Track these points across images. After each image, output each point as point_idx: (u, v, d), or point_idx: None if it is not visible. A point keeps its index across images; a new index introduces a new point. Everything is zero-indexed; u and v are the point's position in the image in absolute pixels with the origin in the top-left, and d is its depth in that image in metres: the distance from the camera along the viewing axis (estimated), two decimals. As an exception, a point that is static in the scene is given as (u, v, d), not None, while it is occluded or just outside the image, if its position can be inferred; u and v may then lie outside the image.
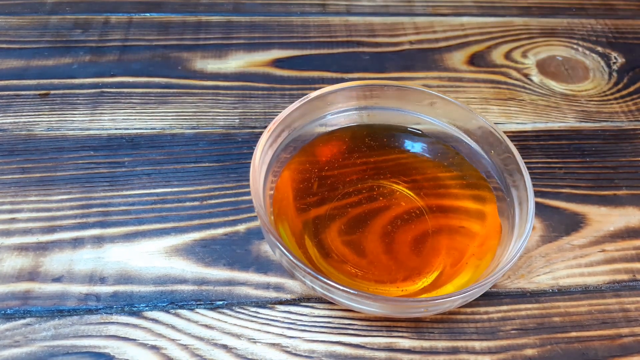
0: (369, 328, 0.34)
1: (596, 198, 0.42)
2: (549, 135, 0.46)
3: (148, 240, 0.37)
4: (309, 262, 0.34)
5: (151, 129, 0.44)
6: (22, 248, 0.36)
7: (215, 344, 0.33)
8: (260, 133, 0.42)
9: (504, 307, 0.36)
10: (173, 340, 0.33)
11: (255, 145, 0.36)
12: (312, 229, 0.36)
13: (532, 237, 0.39)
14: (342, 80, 0.49)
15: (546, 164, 0.44)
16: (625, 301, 0.37)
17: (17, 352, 0.32)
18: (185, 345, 0.33)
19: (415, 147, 0.41)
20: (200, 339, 0.33)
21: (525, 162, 0.37)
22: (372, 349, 0.33)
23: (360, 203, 0.38)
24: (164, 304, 0.34)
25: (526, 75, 0.51)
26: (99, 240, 0.37)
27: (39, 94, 0.46)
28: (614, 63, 0.53)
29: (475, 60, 0.52)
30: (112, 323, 0.33)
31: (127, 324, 0.33)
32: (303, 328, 0.34)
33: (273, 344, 0.33)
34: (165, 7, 0.55)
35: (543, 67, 0.52)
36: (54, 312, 0.34)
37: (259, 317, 0.34)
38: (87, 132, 0.43)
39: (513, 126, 0.47)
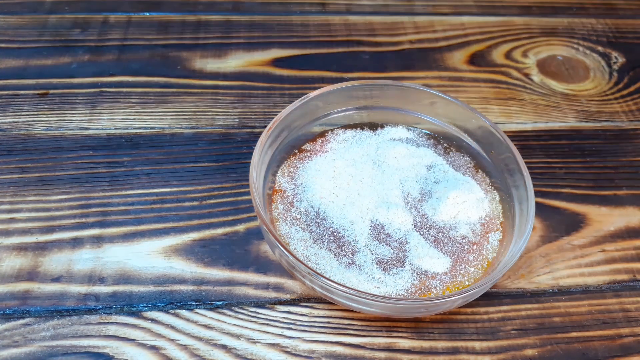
0: (368, 328, 0.34)
1: (596, 198, 0.42)
2: (549, 135, 0.46)
3: (147, 240, 0.37)
4: None
5: (150, 128, 0.44)
6: (21, 248, 0.36)
7: (215, 344, 0.33)
8: (260, 133, 0.42)
9: (504, 307, 0.36)
10: (172, 340, 0.33)
11: (254, 145, 0.36)
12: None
13: (532, 237, 0.39)
14: (342, 79, 0.49)
15: (546, 163, 0.44)
16: (626, 301, 0.36)
17: (16, 352, 0.32)
18: (184, 345, 0.33)
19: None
20: (200, 339, 0.33)
21: (525, 162, 0.37)
22: (372, 349, 0.33)
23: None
24: (163, 304, 0.34)
25: (527, 75, 0.51)
26: (98, 240, 0.37)
27: (38, 94, 0.46)
28: (615, 63, 0.53)
29: (476, 60, 0.52)
30: (112, 323, 0.33)
31: (126, 324, 0.33)
32: (302, 328, 0.34)
33: (272, 344, 0.33)
34: (164, 6, 0.54)
35: (543, 66, 0.52)
36: (53, 312, 0.34)
37: (259, 317, 0.34)
38: (86, 132, 0.43)
39: (513, 126, 0.47)
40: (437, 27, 0.55)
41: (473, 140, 0.41)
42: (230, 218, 0.39)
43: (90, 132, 0.43)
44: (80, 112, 0.45)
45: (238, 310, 0.34)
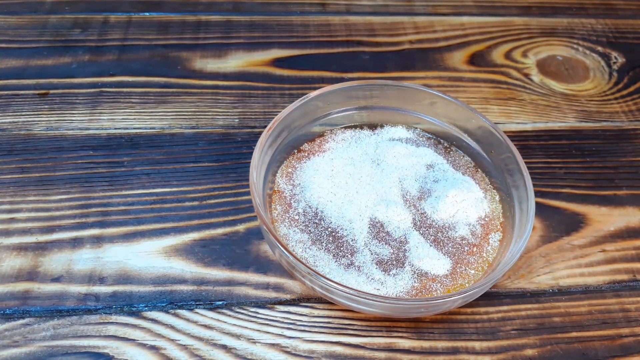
0: (368, 328, 0.34)
1: (596, 198, 0.42)
2: (549, 135, 0.46)
3: (147, 240, 0.37)
4: None
5: (150, 128, 0.44)
6: (21, 248, 0.36)
7: (215, 344, 0.33)
8: (260, 133, 0.42)
9: (504, 307, 0.36)
10: (172, 340, 0.33)
11: (254, 145, 0.36)
12: None
13: (532, 237, 0.39)
14: (342, 79, 0.49)
15: (546, 164, 0.44)
16: (626, 301, 0.36)
17: (16, 352, 0.32)
18: (184, 345, 0.33)
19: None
20: (200, 339, 0.33)
21: (525, 162, 0.37)
22: (372, 349, 0.33)
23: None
24: (163, 304, 0.34)
25: (526, 75, 0.51)
26: (98, 240, 0.37)
27: (38, 94, 0.46)
28: (614, 63, 0.53)
29: (476, 60, 0.52)
30: (111, 323, 0.33)
31: (126, 324, 0.33)
32: (303, 328, 0.34)
33: (272, 344, 0.33)
34: (164, 6, 0.54)
35: (543, 66, 0.52)
36: (53, 312, 0.34)
37: (259, 317, 0.34)
38: (86, 132, 0.43)
39: (513, 126, 0.47)
40: (437, 27, 0.55)
41: (473, 140, 0.41)
42: (230, 218, 0.39)
43: (91, 132, 0.43)
44: (80, 112, 0.45)
45: (238, 310, 0.34)
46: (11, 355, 0.32)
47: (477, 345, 0.34)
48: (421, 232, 0.36)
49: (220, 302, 0.35)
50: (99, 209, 0.39)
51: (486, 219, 0.37)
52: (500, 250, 0.36)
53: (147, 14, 0.54)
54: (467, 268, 0.35)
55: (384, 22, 0.55)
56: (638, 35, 0.56)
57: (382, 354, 0.33)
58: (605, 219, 0.41)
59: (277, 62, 0.50)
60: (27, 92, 0.46)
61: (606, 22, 0.57)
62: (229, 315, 0.34)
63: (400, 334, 0.34)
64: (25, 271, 0.35)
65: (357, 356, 0.33)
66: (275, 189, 0.38)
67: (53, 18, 0.52)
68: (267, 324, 0.34)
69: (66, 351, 0.32)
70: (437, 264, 0.34)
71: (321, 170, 0.38)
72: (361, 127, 0.42)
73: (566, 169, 0.44)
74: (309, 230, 0.35)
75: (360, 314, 0.35)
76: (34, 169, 0.41)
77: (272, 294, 0.35)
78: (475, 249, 0.36)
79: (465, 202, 0.37)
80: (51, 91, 0.46)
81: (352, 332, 0.34)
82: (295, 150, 0.40)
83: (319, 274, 0.31)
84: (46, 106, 0.45)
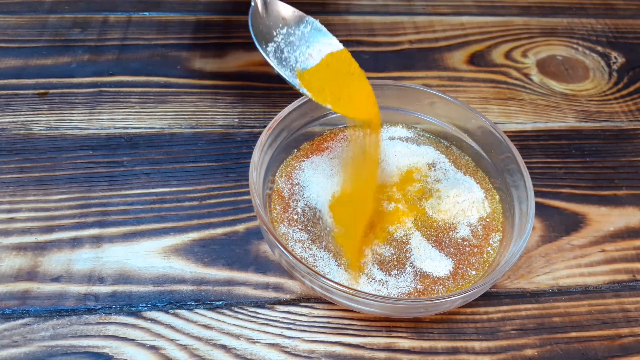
0: (368, 328, 0.34)
1: (596, 198, 0.42)
2: (549, 135, 0.46)
3: (147, 240, 0.37)
4: None
5: (150, 128, 0.44)
6: (21, 248, 0.36)
7: (214, 344, 0.33)
8: (260, 132, 0.42)
9: (504, 307, 0.36)
10: (172, 340, 0.33)
11: (254, 145, 0.36)
12: None
13: (532, 237, 0.39)
14: (342, 79, 0.49)
15: (546, 163, 0.44)
16: (625, 301, 0.36)
17: (15, 352, 0.32)
18: (184, 345, 0.33)
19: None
20: (199, 339, 0.33)
21: (525, 162, 0.37)
22: (371, 349, 0.33)
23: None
24: (163, 304, 0.34)
25: (526, 75, 0.51)
26: (97, 240, 0.37)
27: (38, 93, 0.46)
28: (614, 63, 0.53)
29: (475, 60, 0.52)
30: (111, 323, 0.33)
31: (125, 324, 0.33)
32: (302, 328, 0.34)
33: (272, 344, 0.33)
34: (164, 5, 0.54)
35: (543, 66, 0.52)
36: (52, 312, 0.34)
37: (258, 317, 0.34)
38: (85, 132, 0.43)
39: (513, 126, 0.47)
40: (436, 27, 0.55)
41: (473, 140, 0.40)
42: (230, 218, 0.39)
43: (90, 131, 0.43)
44: (79, 111, 0.45)
45: (238, 310, 0.34)
46: (10, 355, 0.32)
47: (477, 345, 0.34)
48: (422, 232, 0.36)
49: (220, 302, 0.35)
50: (99, 209, 0.39)
51: (487, 220, 0.37)
52: (500, 250, 0.36)
53: (147, 13, 0.53)
54: (468, 269, 0.35)
55: (383, 22, 0.55)
56: (638, 35, 0.56)
57: (382, 354, 0.33)
58: (605, 219, 0.41)
59: (277, 62, 0.50)
60: (26, 91, 0.46)
61: (606, 22, 0.57)
62: (229, 315, 0.34)
63: (400, 334, 0.34)
64: (25, 271, 0.35)
65: (357, 356, 0.33)
66: (275, 188, 0.38)
67: (52, 17, 0.52)
68: (266, 324, 0.34)
69: (65, 351, 0.32)
70: (438, 265, 0.34)
71: (321, 170, 0.38)
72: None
73: (566, 169, 0.44)
74: (309, 230, 0.35)
75: (360, 314, 0.34)
76: (33, 169, 0.41)
77: (271, 294, 0.35)
78: (476, 249, 0.36)
79: (467, 202, 0.37)
80: (50, 91, 0.46)
81: (352, 332, 0.34)
82: (295, 150, 0.40)
83: (319, 274, 0.31)
84: (45, 106, 0.45)
